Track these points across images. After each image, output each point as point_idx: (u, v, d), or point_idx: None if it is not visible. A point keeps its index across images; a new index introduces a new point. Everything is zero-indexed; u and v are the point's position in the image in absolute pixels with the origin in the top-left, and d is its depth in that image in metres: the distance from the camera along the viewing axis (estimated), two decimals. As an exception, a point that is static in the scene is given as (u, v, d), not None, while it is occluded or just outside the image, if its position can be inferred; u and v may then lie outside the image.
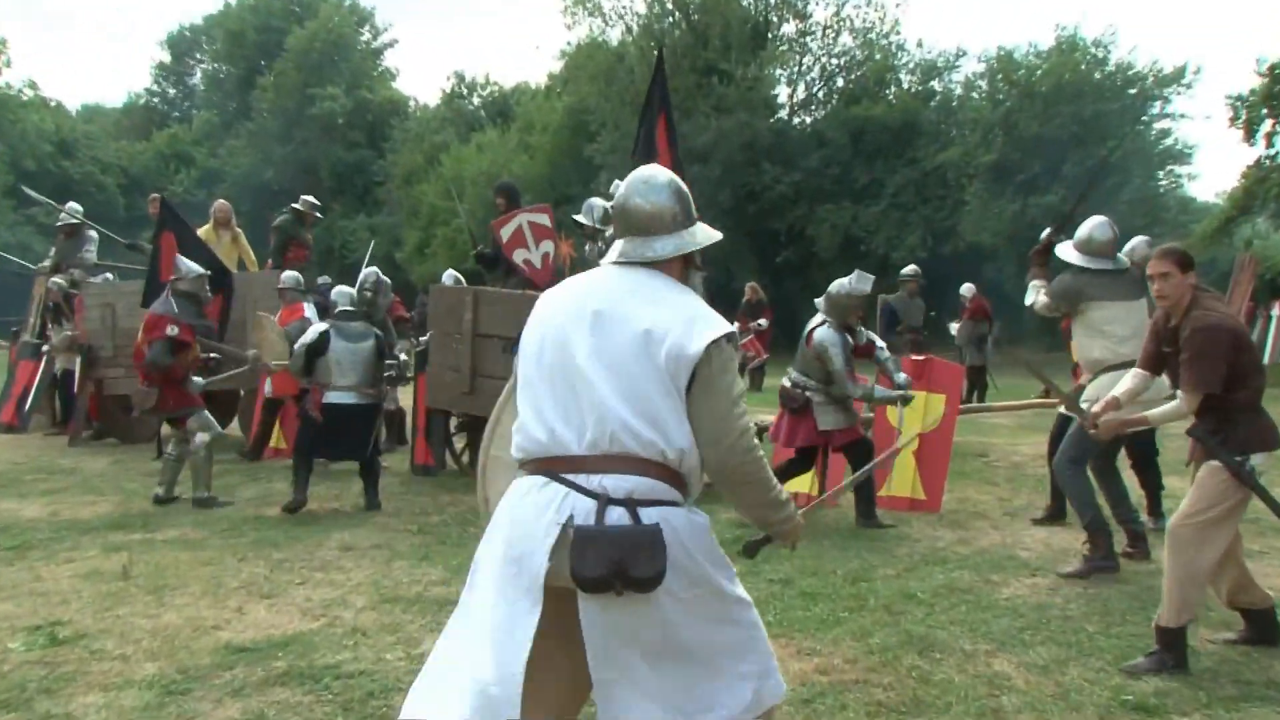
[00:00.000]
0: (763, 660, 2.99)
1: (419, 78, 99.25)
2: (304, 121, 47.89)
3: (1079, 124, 26.02)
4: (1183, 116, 40.48)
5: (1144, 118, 28.38)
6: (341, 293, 8.84)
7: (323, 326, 8.64)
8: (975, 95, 30.44)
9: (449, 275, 12.44)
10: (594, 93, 33.75)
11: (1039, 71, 27.38)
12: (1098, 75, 27.34)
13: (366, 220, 44.43)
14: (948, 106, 32.06)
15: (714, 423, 2.85)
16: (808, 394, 7.80)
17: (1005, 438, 10.95)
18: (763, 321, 19.08)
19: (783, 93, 34.70)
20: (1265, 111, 22.33)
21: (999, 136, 27.30)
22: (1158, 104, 28.35)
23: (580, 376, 2.87)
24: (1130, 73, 27.73)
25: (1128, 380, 5.33)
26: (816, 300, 8.09)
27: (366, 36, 55.95)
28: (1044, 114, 26.32)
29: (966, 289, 16.58)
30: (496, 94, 49.50)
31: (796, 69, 34.55)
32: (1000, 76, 28.55)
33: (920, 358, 8.80)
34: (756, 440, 2.93)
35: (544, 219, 10.10)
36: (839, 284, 7.92)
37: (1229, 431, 4.66)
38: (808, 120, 34.28)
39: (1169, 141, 28.97)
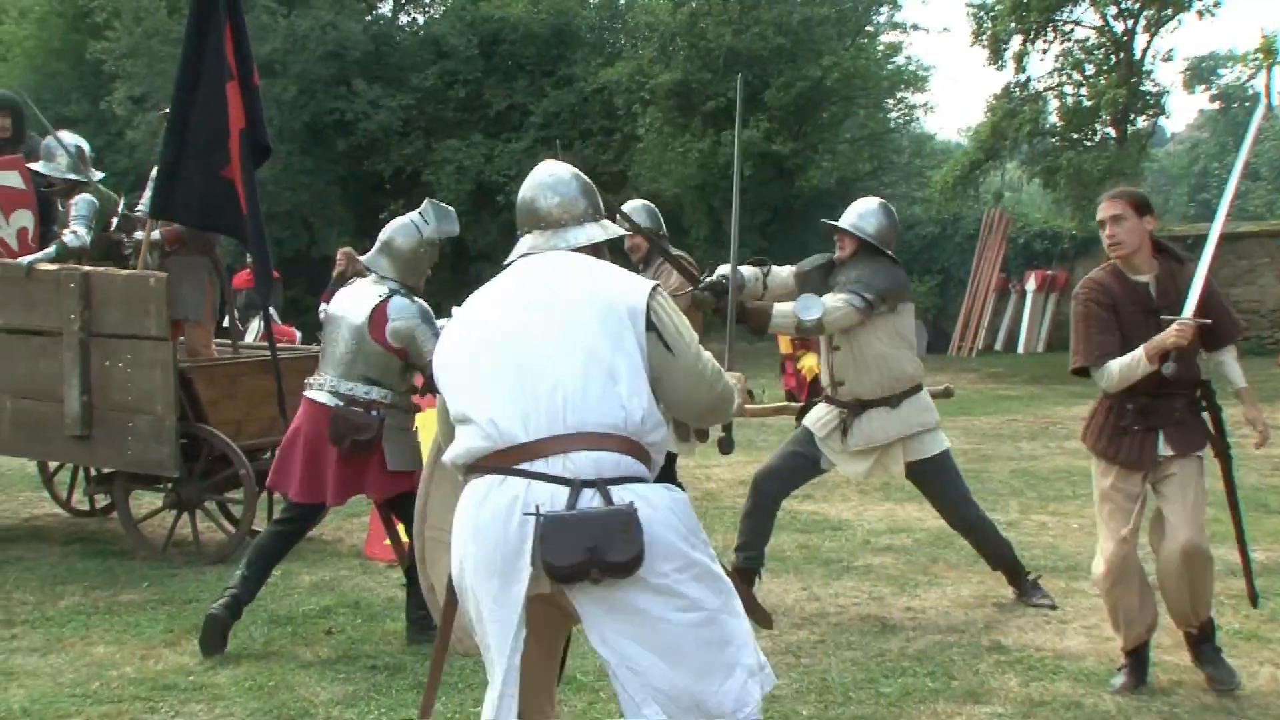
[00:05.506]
0: (757, 651, 3.74)
1: None
2: None
3: (785, 35, 27.22)
4: (916, 28, 43.54)
5: (868, 28, 30.16)
6: None
7: None
8: (650, -8, 31.30)
9: None
10: (100, -35, 32.25)
11: (733, -38, 28.46)
12: (808, -30, 28.73)
13: None
14: (613, 7, 32.89)
15: (692, 369, 3.83)
16: (378, 412, 6.87)
17: (695, 459, 11.31)
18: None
19: (385, -20, 34.66)
20: (1014, 25, 24.06)
21: (682, 49, 28.17)
22: (885, 10, 30.20)
23: (526, 360, 3.69)
24: (850, -32, 29.35)
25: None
26: (362, 257, 7.23)
27: None
28: (740, 20, 27.34)
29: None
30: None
31: (401, -54, 34.59)
32: (683, -32, 29.47)
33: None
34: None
35: (15, 179, 9.57)
36: (405, 226, 6.99)
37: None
38: (420, 21, 34.32)
39: (900, 61, 30.96)
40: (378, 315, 6.73)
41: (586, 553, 3.43)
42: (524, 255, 4.04)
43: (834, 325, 7.00)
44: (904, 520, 9.29)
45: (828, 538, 9.22)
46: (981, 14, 24.44)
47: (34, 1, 35.37)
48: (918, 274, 27.16)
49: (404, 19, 34.48)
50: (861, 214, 7.37)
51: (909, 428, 7.20)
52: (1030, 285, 25.30)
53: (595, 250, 4.08)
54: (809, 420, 7.47)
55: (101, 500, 10.22)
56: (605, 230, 4.14)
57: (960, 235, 27.32)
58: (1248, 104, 53.87)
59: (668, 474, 8.30)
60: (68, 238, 9.02)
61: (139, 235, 9.38)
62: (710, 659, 3.59)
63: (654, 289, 3.81)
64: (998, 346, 25.51)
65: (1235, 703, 5.67)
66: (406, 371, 6.86)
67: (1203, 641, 5.90)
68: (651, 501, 3.57)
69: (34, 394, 8.76)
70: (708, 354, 3.88)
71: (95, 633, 7.12)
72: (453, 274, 30.98)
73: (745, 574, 7.31)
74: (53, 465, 10.63)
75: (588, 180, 4.24)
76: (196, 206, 8.77)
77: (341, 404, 6.69)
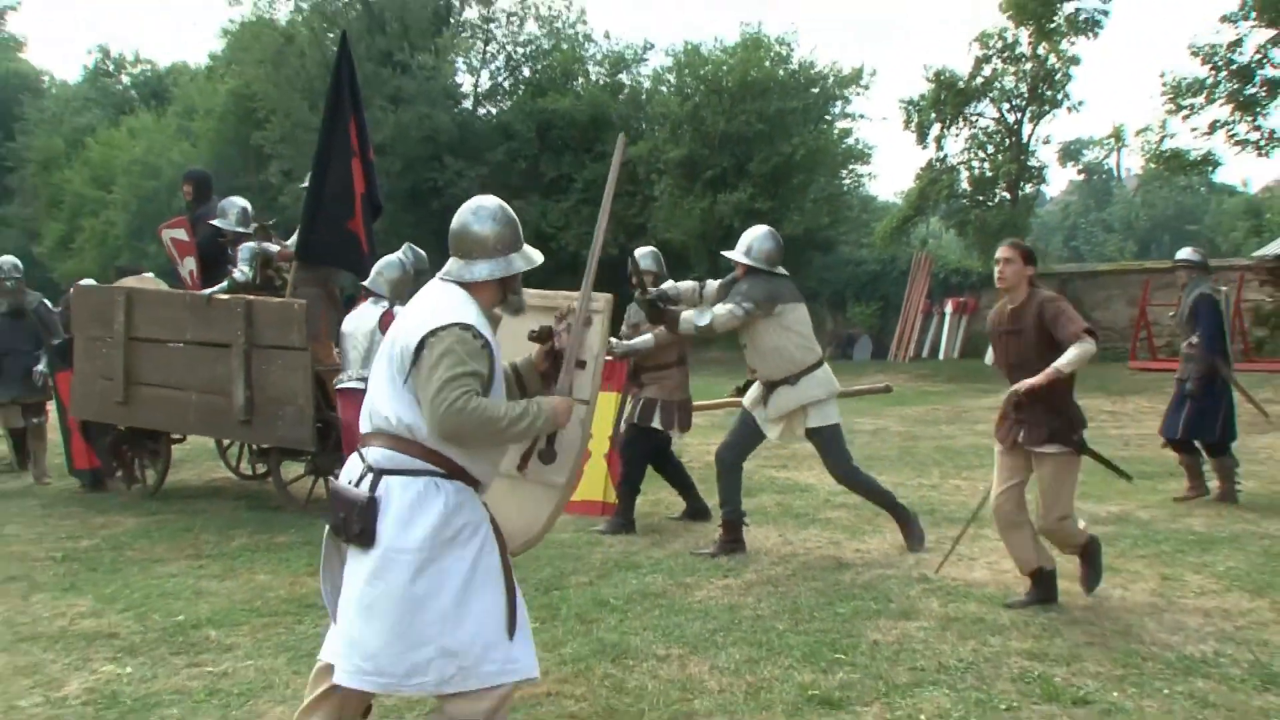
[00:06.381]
0: (476, 643, 3.49)
1: (53, 50, 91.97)
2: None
3: (764, 121, 27.15)
4: (862, 117, 43.42)
5: (826, 117, 30.10)
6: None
7: None
8: (664, 89, 31.26)
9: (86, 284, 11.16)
10: (261, 76, 32.34)
11: (725, 67, 28.42)
12: (781, 73, 28.60)
13: (-6, 210, 41.14)
14: (636, 100, 32.89)
15: (426, 397, 3.49)
16: None
17: (698, 437, 11.37)
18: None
19: (466, 82, 34.61)
20: (934, 116, 24.32)
21: (687, 132, 28.16)
22: (838, 104, 30.11)
23: (374, 371, 3.71)
24: (812, 72, 29.21)
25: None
26: (365, 282, 8.15)
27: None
28: (730, 110, 27.29)
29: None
30: (150, 73, 46.75)
31: (480, 57, 34.53)
32: (687, 71, 29.46)
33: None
34: (471, 403, 3.47)
35: (181, 234, 9.74)
36: (394, 263, 7.99)
37: (1070, 412, 5.76)
38: (493, 112, 34.34)
39: (850, 141, 30.84)
40: (386, 318, 7.55)
41: (340, 519, 3.56)
42: (440, 277, 3.82)
43: (721, 327, 7.09)
44: (853, 484, 9.27)
45: (798, 497, 9.23)
46: (910, 108, 24.69)
47: (216, 103, 35.92)
48: (865, 300, 27.13)
49: (481, 111, 34.44)
50: (749, 244, 7.37)
51: (805, 399, 7.16)
52: (948, 309, 25.24)
53: (503, 280, 3.79)
54: (746, 399, 7.52)
55: (260, 468, 10.30)
56: (509, 266, 3.77)
57: (896, 272, 27.24)
58: (1105, 176, 53.94)
59: (662, 450, 8.27)
60: (236, 275, 9.19)
61: (268, 246, 9.53)
62: (404, 628, 3.45)
63: (432, 332, 3.54)
64: (924, 354, 25.44)
65: (1095, 615, 5.73)
66: None
67: (1087, 556, 6.13)
68: (411, 495, 3.53)
69: (212, 390, 8.83)
70: (455, 392, 3.47)
71: (258, 564, 7.21)
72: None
73: (731, 524, 7.34)
74: (226, 441, 10.70)
75: (511, 215, 3.82)
76: (329, 250, 8.96)
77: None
